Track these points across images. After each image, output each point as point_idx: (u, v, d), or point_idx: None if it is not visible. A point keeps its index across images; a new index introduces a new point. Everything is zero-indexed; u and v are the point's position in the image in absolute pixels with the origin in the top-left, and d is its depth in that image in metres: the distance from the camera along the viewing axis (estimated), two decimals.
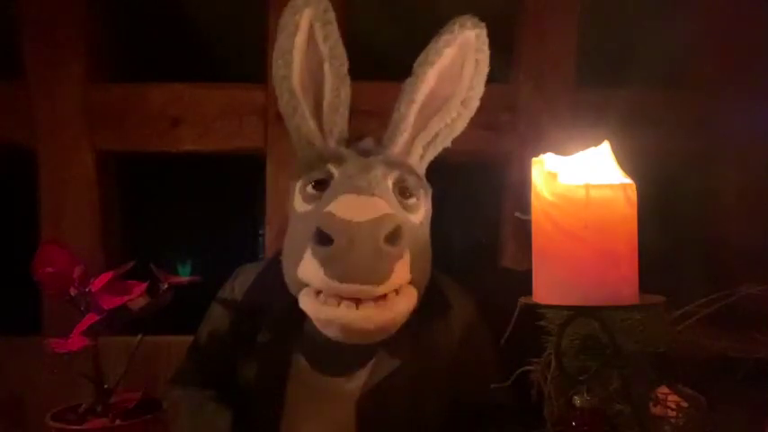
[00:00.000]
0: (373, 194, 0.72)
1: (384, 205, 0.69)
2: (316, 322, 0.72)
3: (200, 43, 1.44)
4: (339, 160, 0.78)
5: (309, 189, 0.79)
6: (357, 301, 0.68)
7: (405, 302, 0.72)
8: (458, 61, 0.81)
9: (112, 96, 1.25)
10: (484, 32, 0.81)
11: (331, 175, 0.77)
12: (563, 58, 1.26)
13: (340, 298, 0.68)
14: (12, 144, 1.24)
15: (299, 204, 0.79)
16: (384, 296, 0.70)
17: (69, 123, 1.23)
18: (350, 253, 0.64)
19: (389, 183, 0.77)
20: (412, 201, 0.79)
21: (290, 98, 0.81)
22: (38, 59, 1.22)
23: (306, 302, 0.71)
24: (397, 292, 0.71)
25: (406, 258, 0.70)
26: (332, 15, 0.79)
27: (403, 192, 0.78)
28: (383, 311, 0.69)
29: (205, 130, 1.25)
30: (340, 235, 0.64)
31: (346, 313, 0.68)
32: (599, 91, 1.28)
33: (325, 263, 0.66)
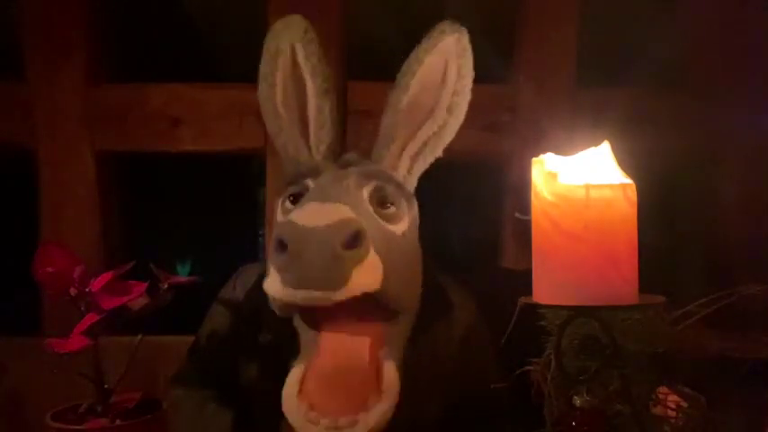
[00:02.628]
0: (338, 201, 0.70)
1: (345, 211, 0.67)
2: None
3: (200, 43, 1.44)
4: (316, 173, 0.78)
5: (287, 204, 0.78)
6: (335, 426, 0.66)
7: (387, 403, 0.69)
8: (439, 68, 0.80)
9: (112, 96, 1.25)
10: (465, 37, 0.79)
11: (307, 188, 0.77)
12: (563, 58, 1.26)
13: (317, 421, 0.66)
14: (12, 144, 1.24)
15: (279, 218, 0.79)
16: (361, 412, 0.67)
17: (69, 123, 1.23)
18: (302, 258, 0.62)
19: (364, 193, 0.76)
20: (391, 210, 0.77)
21: (276, 118, 0.82)
22: (38, 59, 1.22)
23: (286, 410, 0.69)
24: (362, 295, 0.67)
25: (371, 264, 0.67)
26: (313, 36, 0.79)
27: (381, 201, 0.77)
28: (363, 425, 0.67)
29: (205, 130, 1.25)
30: (293, 240, 0.62)
31: None
32: (599, 91, 1.28)
33: (281, 269, 0.64)
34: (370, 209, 0.75)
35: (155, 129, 1.24)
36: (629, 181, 0.63)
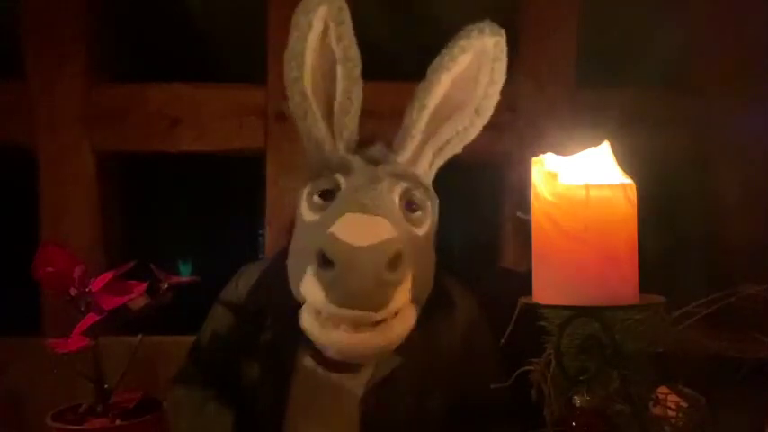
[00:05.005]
0: (378, 213, 0.71)
1: (387, 227, 0.69)
2: (314, 342, 0.73)
3: (200, 43, 1.44)
4: (346, 170, 0.77)
5: (316, 198, 0.78)
6: (355, 326, 0.69)
7: (403, 325, 0.72)
8: (473, 68, 0.79)
9: (112, 96, 1.25)
10: (503, 40, 0.79)
11: (338, 186, 0.77)
12: (563, 58, 1.26)
13: (338, 322, 0.69)
14: (12, 144, 1.24)
15: (306, 213, 0.79)
16: (383, 319, 0.70)
17: (69, 123, 1.22)
18: (350, 279, 0.65)
19: (396, 197, 0.76)
20: (418, 214, 0.78)
21: (302, 100, 0.79)
22: (38, 59, 1.22)
23: (305, 322, 0.72)
24: (396, 313, 0.71)
25: (407, 282, 0.70)
26: (347, 15, 0.77)
27: (409, 205, 0.78)
28: (380, 336, 0.70)
29: (205, 131, 1.25)
30: (341, 260, 0.64)
31: (342, 338, 0.69)
32: (599, 91, 1.28)
33: (326, 286, 0.67)
34: (401, 214, 0.76)
35: (154, 129, 1.24)
36: (629, 181, 0.63)
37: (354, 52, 0.77)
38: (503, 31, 0.79)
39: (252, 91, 1.24)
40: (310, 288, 0.69)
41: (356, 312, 0.67)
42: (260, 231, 1.35)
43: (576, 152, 0.64)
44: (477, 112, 0.81)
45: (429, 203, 0.80)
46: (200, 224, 1.60)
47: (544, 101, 1.26)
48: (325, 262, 0.66)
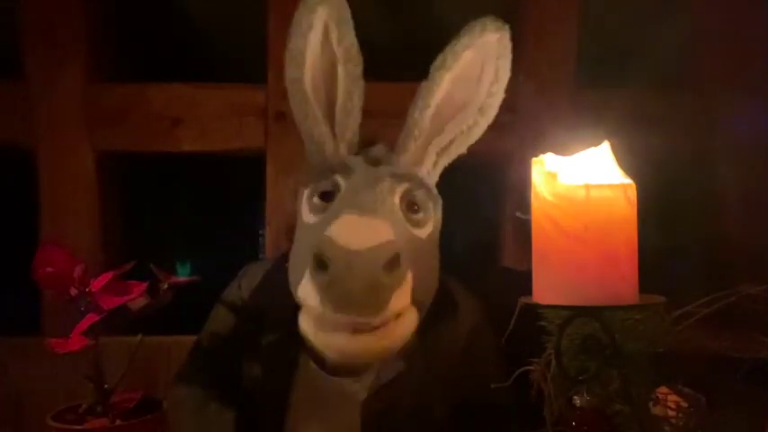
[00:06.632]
0: (376, 215, 0.69)
1: (385, 229, 0.66)
2: (313, 346, 0.70)
3: (200, 43, 1.44)
4: (347, 171, 0.75)
5: (316, 200, 0.76)
6: (354, 330, 0.66)
7: (403, 329, 0.70)
8: (477, 66, 0.78)
9: (112, 96, 1.25)
10: (507, 36, 0.77)
11: (338, 187, 0.75)
12: (563, 58, 1.26)
13: (336, 325, 0.66)
14: (12, 144, 1.24)
15: (306, 215, 0.77)
16: (383, 323, 0.67)
17: (69, 123, 1.23)
18: (345, 282, 0.62)
19: (396, 198, 0.74)
20: (419, 215, 0.76)
21: (302, 102, 0.77)
22: (38, 59, 1.22)
23: (303, 324, 0.70)
24: (398, 315, 0.69)
25: (407, 284, 0.68)
26: (348, 15, 0.75)
27: (410, 206, 0.76)
28: (379, 340, 0.67)
29: (205, 131, 1.25)
30: (336, 263, 0.62)
31: (341, 341, 0.66)
32: (599, 91, 1.28)
33: (322, 289, 0.64)
34: (401, 215, 0.74)
35: (155, 129, 1.24)
36: (629, 181, 0.63)
37: (356, 52, 0.76)
38: (507, 26, 0.77)
39: (252, 91, 1.24)
40: (307, 292, 0.67)
41: (353, 318, 0.64)
42: (260, 231, 1.35)
43: (577, 152, 0.64)
44: (481, 111, 0.79)
45: (431, 204, 0.78)
46: (200, 224, 1.60)
47: (544, 101, 1.26)
48: (320, 265, 0.63)
